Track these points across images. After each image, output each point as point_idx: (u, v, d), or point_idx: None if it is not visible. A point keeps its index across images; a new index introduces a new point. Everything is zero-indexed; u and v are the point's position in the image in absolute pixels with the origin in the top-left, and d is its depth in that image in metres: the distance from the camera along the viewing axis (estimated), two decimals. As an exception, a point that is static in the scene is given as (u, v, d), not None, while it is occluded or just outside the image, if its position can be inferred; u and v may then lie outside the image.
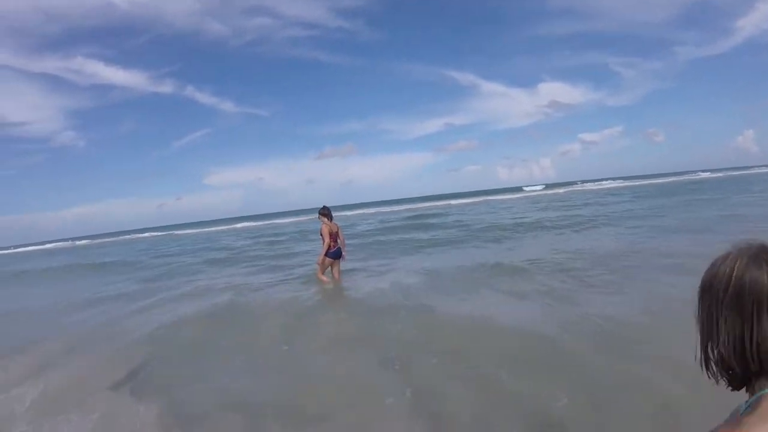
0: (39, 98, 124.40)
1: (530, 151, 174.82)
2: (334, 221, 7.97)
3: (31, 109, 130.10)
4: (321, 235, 7.85)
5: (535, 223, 15.20)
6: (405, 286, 7.28)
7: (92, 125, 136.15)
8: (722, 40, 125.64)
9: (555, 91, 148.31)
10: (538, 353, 3.96)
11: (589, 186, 55.14)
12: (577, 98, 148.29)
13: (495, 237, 12.78)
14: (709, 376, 0.83)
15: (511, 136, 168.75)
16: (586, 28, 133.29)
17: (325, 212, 7.89)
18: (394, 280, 7.86)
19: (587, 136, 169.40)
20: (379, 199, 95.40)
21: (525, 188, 63.84)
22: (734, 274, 0.77)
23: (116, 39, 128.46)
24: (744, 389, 0.80)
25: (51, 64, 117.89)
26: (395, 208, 46.42)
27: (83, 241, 57.40)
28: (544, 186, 65.80)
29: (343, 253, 8.14)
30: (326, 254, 7.84)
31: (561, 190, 48.78)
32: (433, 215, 25.19)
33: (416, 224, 19.83)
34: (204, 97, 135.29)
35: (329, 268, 8.06)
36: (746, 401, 0.78)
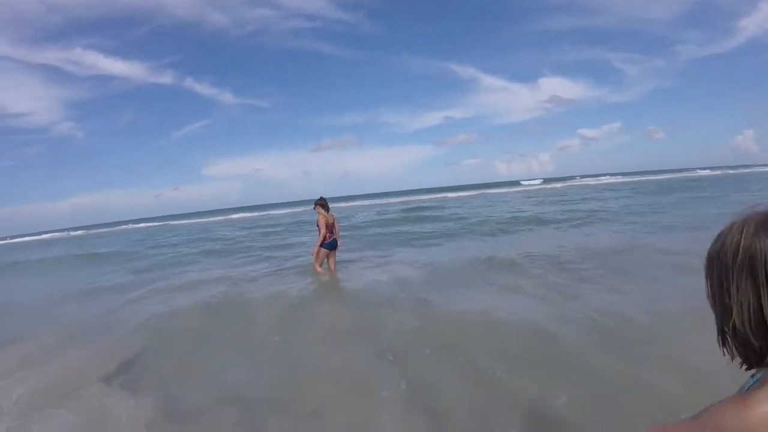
0: (39, 89, 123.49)
1: (530, 146, 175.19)
2: (330, 212, 7.92)
3: (30, 100, 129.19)
4: (317, 226, 7.81)
5: (533, 218, 15.18)
6: (401, 278, 7.23)
7: (91, 116, 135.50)
8: (724, 40, 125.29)
9: (556, 86, 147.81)
10: (534, 348, 3.93)
11: (587, 181, 55.18)
12: (577, 94, 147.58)
13: (491, 230, 12.75)
14: (724, 353, 0.78)
15: (511, 130, 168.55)
16: (588, 23, 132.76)
17: (322, 203, 7.85)
18: (391, 272, 7.82)
19: (587, 132, 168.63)
20: (377, 191, 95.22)
21: (523, 182, 63.63)
22: (742, 243, 0.72)
23: (116, 30, 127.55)
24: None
25: (51, 55, 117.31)
26: (392, 200, 46.28)
27: (78, 232, 56.93)
28: (542, 180, 65.67)
29: (338, 243, 8.11)
30: (322, 245, 7.81)
31: (559, 185, 48.75)
32: (430, 207, 25.15)
33: (413, 216, 19.79)
34: (204, 88, 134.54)
35: (325, 259, 8.02)
36: (752, 375, 0.74)
